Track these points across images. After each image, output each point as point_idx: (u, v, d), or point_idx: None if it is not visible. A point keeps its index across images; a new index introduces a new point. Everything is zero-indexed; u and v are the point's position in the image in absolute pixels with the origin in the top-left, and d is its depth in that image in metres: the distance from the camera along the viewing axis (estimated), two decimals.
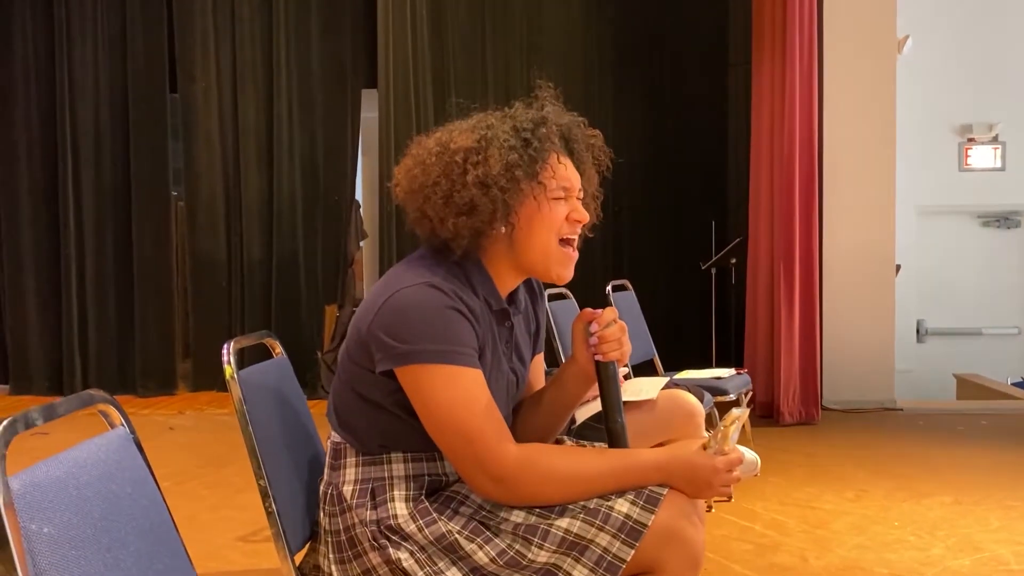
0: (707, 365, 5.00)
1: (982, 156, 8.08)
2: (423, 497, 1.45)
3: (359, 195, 7.73)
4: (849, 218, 5.49)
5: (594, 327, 1.52)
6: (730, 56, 6.19)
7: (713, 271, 5.89)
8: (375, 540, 1.43)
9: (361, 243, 7.56)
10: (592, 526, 1.34)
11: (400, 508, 1.43)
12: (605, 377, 1.53)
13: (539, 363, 1.72)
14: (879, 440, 4.82)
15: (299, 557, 1.63)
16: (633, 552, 1.32)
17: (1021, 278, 8.40)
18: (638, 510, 1.34)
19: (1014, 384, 7.49)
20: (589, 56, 6.38)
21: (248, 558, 3.07)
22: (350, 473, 1.49)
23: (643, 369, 3.72)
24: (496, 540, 1.37)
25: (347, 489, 1.48)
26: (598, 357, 1.53)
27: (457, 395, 1.35)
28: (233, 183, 6.37)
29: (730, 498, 1.45)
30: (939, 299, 8.19)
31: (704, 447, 1.39)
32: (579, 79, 6.25)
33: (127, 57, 6.31)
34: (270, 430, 1.66)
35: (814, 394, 5.21)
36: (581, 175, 1.52)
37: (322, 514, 1.54)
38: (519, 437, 1.60)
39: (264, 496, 1.58)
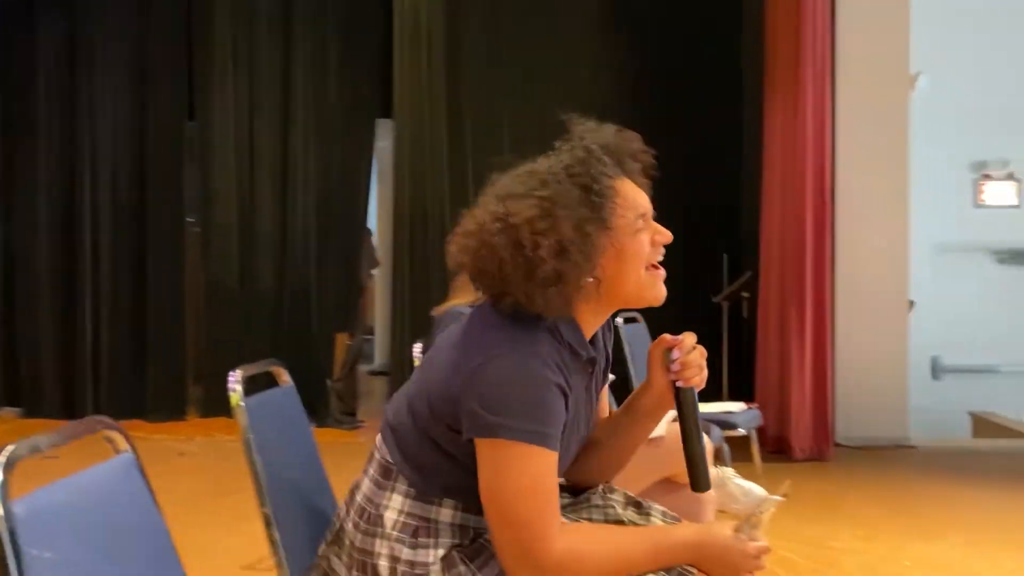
0: (718, 399, 4.97)
1: (998, 193, 8.05)
2: (455, 547, 1.41)
3: (373, 224, 7.77)
4: (862, 254, 5.47)
5: (676, 353, 1.49)
6: (744, 92, 6.21)
7: (725, 305, 5.87)
8: None
9: (373, 271, 7.59)
10: None
11: (435, 556, 1.39)
12: (687, 403, 1.50)
13: (604, 394, 1.68)
14: (892, 478, 4.77)
15: None
16: None
17: None
18: None
19: None
20: (603, 88, 6.41)
21: None
22: (397, 501, 1.42)
23: None
24: None
25: (389, 516, 1.41)
26: (679, 383, 1.50)
27: (527, 478, 1.31)
28: (248, 210, 6.42)
29: None
30: (955, 336, 8.09)
31: (736, 530, 1.38)
32: (593, 111, 6.27)
33: (146, 84, 6.40)
34: (275, 459, 1.65)
35: (826, 430, 5.16)
36: (640, 187, 1.47)
37: (350, 522, 1.46)
38: (581, 472, 1.57)
39: (267, 525, 1.57)
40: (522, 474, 1.30)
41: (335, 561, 1.50)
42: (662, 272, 1.45)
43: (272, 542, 1.57)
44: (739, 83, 6.24)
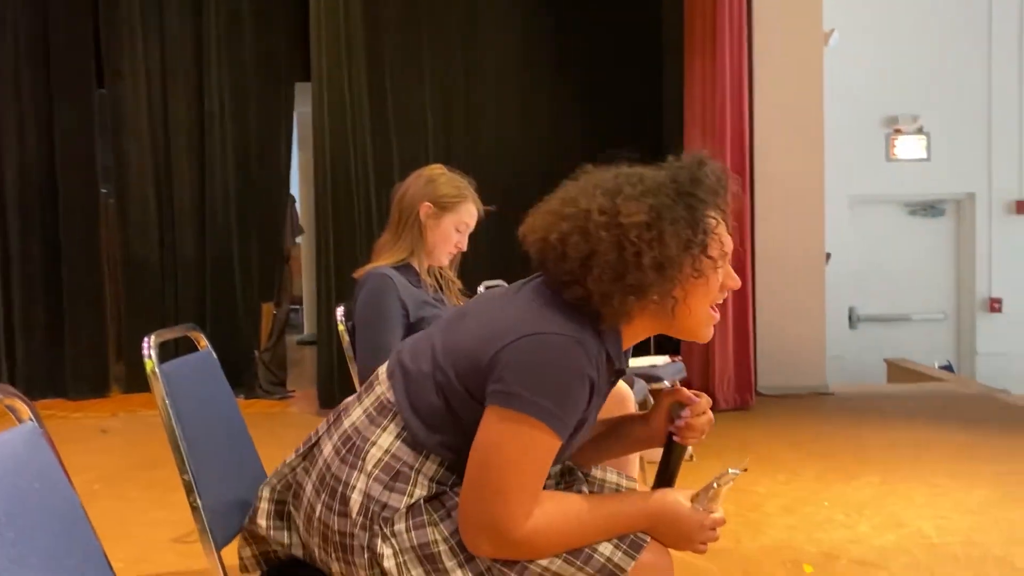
0: (645, 354, 5.07)
1: (908, 147, 8.32)
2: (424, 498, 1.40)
3: (295, 190, 7.62)
4: (779, 208, 5.61)
5: (686, 412, 1.52)
6: (664, 51, 6.25)
7: None
8: (368, 519, 1.37)
9: (297, 239, 7.49)
10: (572, 566, 1.34)
11: (406, 503, 1.37)
12: (675, 457, 1.54)
13: None
14: (811, 424, 4.94)
15: (229, 551, 1.60)
16: None
17: (947, 265, 8.67)
18: (620, 554, 1.35)
19: (941, 367, 7.75)
20: (524, 48, 6.36)
21: (182, 559, 3.02)
22: (386, 440, 1.40)
23: None
24: (476, 562, 1.34)
25: (374, 453, 1.39)
26: (676, 437, 1.54)
27: (525, 452, 1.30)
28: (164, 180, 6.24)
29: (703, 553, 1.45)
30: (870, 286, 8.41)
31: (692, 500, 1.40)
32: (515, 71, 6.27)
33: (50, 51, 6.13)
34: (196, 423, 1.63)
35: (748, 380, 5.31)
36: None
37: (330, 444, 1.44)
38: None
39: (188, 491, 1.55)
40: (521, 446, 1.30)
41: (301, 475, 1.48)
42: (718, 315, 1.45)
43: (194, 508, 1.55)
44: (659, 42, 6.28)
